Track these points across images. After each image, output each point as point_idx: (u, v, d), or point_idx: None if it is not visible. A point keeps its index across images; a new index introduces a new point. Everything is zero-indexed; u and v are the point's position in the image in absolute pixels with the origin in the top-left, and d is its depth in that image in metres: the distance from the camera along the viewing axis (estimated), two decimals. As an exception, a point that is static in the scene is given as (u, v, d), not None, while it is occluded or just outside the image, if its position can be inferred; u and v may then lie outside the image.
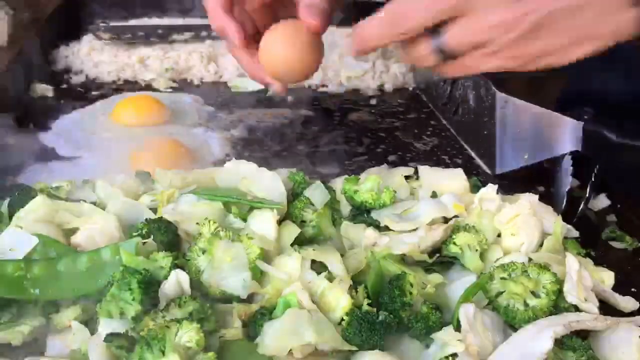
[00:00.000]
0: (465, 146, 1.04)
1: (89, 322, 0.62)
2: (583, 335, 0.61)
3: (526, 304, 0.62)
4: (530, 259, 0.68)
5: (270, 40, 0.77)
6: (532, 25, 0.61)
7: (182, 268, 0.63)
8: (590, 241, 0.79)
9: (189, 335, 0.55)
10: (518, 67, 0.65)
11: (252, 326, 0.61)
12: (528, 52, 0.63)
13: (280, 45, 0.75)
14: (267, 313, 0.62)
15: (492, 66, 0.65)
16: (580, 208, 0.83)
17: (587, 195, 0.83)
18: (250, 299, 0.64)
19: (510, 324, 0.63)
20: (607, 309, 0.68)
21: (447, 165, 0.97)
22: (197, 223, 0.68)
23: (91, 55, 1.30)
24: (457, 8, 0.62)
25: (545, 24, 0.61)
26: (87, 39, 1.35)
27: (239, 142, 1.03)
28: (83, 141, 1.01)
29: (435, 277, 0.67)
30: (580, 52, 0.63)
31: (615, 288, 0.71)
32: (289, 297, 0.62)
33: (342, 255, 0.69)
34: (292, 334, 0.57)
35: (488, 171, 0.95)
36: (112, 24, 1.40)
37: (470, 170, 0.92)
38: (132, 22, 1.45)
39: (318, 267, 0.67)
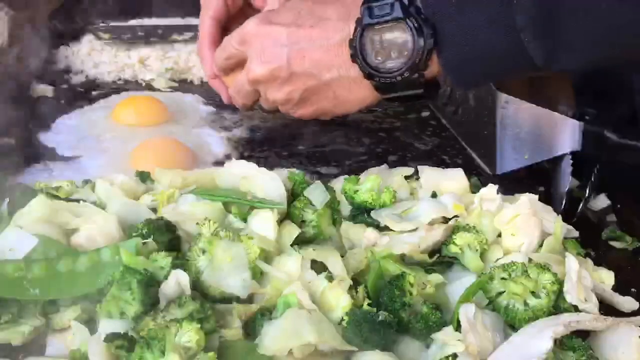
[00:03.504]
0: (465, 146, 1.04)
1: (89, 322, 0.61)
2: (583, 335, 0.61)
3: (526, 304, 0.62)
4: (530, 259, 0.68)
5: None
6: (299, 98, 0.84)
7: (182, 268, 0.63)
8: (590, 241, 0.79)
9: (189, 335, 0.55)
10: (316, 117, 0.88)
11: (252, 326, 0.61)
12: (309, 112, 0.87)
13: None
14: (267, 313, 0.62)
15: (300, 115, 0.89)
16: (580, 208, 0.83)
17: (587, 195, 0.83)
18: (250, 299, 0.64)
19: (510, 324, 0.63)
20: (607, 309, 0.68)
21: (447, 165, 0.97)
22: (197, 223, 0.68)
23: (91, 55, 1.30)
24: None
25: (308, 96, 0.84)
26: (87, 39, 1.35)
27: (239, 142, 1.03)
28: (83, 141, 1.00)
29: (435, 277, 0.67)
30: (346, 110, 0.87)
31: (615, 288, 0.71)
32: (289, 297, 0.62)
33: (342, 255, 0.69)
34: (292, 334, 0.57)
35: (488, 171, 0.95)
36: (112, 24, 1.40)
37: (470, 170, 0.91)
38: (132, 22, 1.45)
39: (318, 267, 0.67)
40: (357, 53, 0.77)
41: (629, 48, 0.69)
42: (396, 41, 0.75)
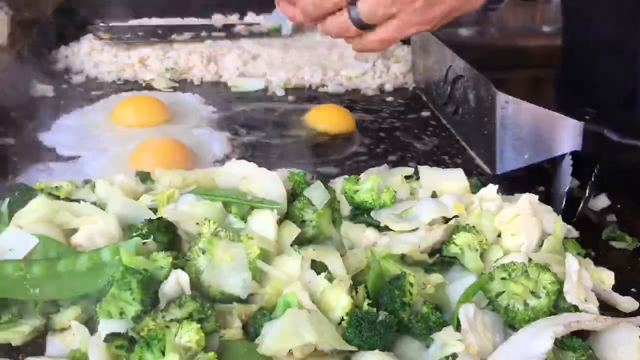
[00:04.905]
0: (465, 146, 1.04)
1: (89, 322, 0.62)
2: (583, 335, 0.61)
3: (526, 304, 0.62)
4: (530, 259, 0.68)
5: None
6: None
7: (182, 268, 0.63)
8: (590, 241, 0.79)
9: (189, 335, 0.55)
10: (429, 29, 0.78)
11: (252, 326, 0.61)
12: (433, 15, 0.76)
13: None
14: (267, 313, 0.62)
15: (408, 33, 0.77)
16: (580, 208, 0.83)
17: (587, 195, 0.83)
18: (250, 299, 0.64)
19: (510, 324, 0.63)
20: (607, 309, 0.68)
21: (447, 165, 0.97)
22: (197, 223, 0.68)
23: (91, 55, 1.30)
24: None
25: None
26: (87, 39, 1.35)
27: (239, 142, 1.03)
28: (83, 141, 1.00)
29: (435, 277, 0.67)
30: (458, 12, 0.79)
31: (615, 288, 0.71)
32: (289, 297, 0.62)
33: (342, 255, 0.69)
34: (292, 334, 0.57)
35: (488, 171, 0.95)
36: (112, 24, 1.40)
37: (470, 170, 0.92)
38: (132, 22, 1.45)
39: (318, 267, 0.67)
40: None
41: None
42: None
